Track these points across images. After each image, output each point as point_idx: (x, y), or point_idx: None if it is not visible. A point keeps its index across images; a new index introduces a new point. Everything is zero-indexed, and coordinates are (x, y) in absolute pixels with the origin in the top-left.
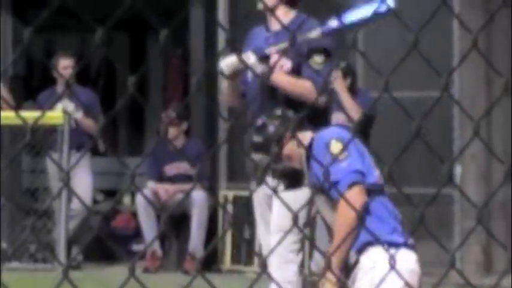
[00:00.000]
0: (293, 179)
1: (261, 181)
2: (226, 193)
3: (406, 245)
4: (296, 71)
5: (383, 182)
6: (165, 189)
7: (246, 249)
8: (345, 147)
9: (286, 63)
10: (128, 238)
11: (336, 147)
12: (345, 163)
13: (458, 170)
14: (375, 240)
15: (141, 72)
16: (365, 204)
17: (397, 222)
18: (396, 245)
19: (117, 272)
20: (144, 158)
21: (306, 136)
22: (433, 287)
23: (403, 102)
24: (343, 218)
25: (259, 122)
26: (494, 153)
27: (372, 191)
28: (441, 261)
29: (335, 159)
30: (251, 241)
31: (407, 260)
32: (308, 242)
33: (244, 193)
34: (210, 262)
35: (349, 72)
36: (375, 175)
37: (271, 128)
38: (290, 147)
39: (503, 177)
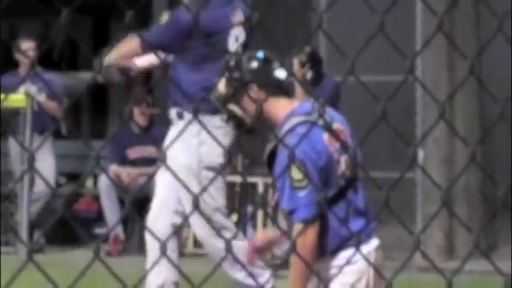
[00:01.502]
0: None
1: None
2: None
3: (366, 235)
4: None
5: (352, 174)
6: (127, 173)
7: None
8: (305, 175)
9: None
10: (90, 221)
11: (296, 172)
12: (303, 193)
13: (420, 154)
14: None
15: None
16: (316, 238)
17: (358, 215)
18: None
19: (80, 255)
20: (107, 140)
21: (280, 103)
22: (397, 271)
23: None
24: (299, 248)
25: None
26: (459, 136)
27: (331, 203)
28: (403, 245)
29: (294, 186)
30: None
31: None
32: (272, 224)
33: None
34: None
35: (313, 60)
36: (338, 180)
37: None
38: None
39: (467, 161)
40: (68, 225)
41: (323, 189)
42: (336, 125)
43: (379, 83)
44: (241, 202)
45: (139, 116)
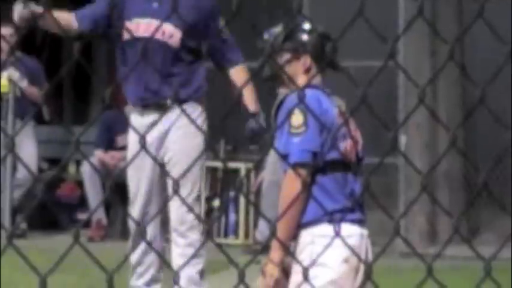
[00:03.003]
0: None
1: None
2: None
3: (351, 220)
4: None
5: (356, 154)
6: (111, 156)
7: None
8: (304, 123)
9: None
10: (72, 207)
11: (296, 119)
12: (298, 139)
13: (403, 139)
14: (317, 219)
15: (88, 37)
16: (305, 185)
17: (348, 199)
18: (339, 221)
19: (62, 240)
20: (87, 126)
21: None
22: (378, 256)
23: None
24: (284, 192)
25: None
26: (440, 121)
27: (327, 167)
28: (385, 230)
29: (291, 131)
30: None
31: (348, 235)
32: (254, 210)
33: None
34: None
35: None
36: (340, 149)
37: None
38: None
39: (448, 146)
40: (50, 210)
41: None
42: (343, 108)
43: (365, 67)
44: (223, 188)
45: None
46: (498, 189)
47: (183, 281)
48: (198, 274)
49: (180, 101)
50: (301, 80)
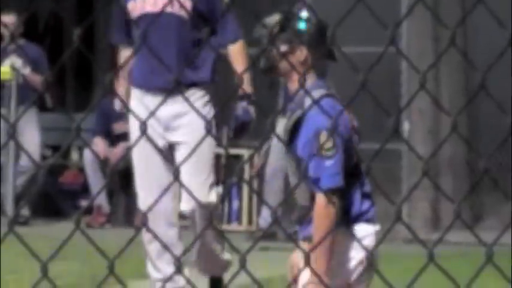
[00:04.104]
0: None
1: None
2: None
3: (366, 220)
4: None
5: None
6: (111, 152)
7: None
8: (334, 144)
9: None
10: (75, 194)
11: (325, 140)
12: (330, 162)
13: (406, 125)
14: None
15: (88, 23)
16: (338, 210)
17: (366, 197)
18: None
19: (65, 228)
20: (87, 112)
21: (310, 73)
22: (379, 241)
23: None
24: (318, 222)
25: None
26: (442, 107)
27: (352, 174)
28: (389, 217)
29: (321, 154)
30: None
31: (365, 235)
32: (256, 197)
33: None
34: None
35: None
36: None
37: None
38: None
39: (449, 131)
40: (53, 198)
41: (346, 162)
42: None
43: (366, 54)
44: (226, 174)
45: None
46: (502, 176)
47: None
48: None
49: (189, 85)
50: (299, 71)
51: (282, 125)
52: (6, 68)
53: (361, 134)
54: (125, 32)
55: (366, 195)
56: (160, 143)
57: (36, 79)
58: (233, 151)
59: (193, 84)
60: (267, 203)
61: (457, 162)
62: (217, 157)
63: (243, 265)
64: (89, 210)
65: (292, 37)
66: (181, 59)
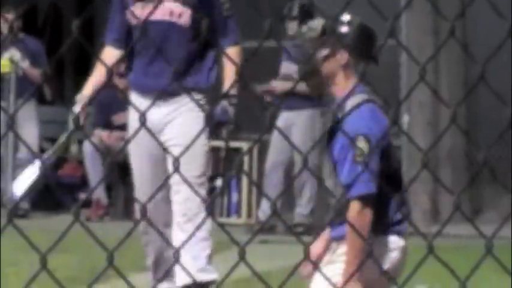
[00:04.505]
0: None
1: None
2: None
3: (397, 232)
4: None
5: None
6: (107, 135)
7: None
8: (370, 150)
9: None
10: (74, 187)
11: (361, 145)
12: (363, 168)
13: (405, 118)
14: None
15: (87, 14)
16: (371, 217)
17: (398, 204)
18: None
19: (64, 221)
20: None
21: (351, 78)
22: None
23: None
24: (352, 227)
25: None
26: (441, 99)
27: (390, 182)
28: None
29: (356, 160)
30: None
31: (392, 248)
32: (255, 189)
33: None
34: None
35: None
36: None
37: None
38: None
39: (448, 123)
40: (53, 191)
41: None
42: None
43: None
44: (225, 167)
45: (119, 80)
46: (501, 168)
47: (188, 259)
48: (205, 259)
49: (187, 90)
50: (340, 77)
51: (282, 119)
52: (5, 60)
53: None
54: (117, 34)
55: (401, 206)
56: (153, 145)
57: (35, 73)
58: (233, 144)
59: (191, 89)
60: (266, 195)
61: (456, 154)
62: (216, 150)
63: (242, 257)
64: (87, 204)
65: (334, 41)
66: (180, 65)
